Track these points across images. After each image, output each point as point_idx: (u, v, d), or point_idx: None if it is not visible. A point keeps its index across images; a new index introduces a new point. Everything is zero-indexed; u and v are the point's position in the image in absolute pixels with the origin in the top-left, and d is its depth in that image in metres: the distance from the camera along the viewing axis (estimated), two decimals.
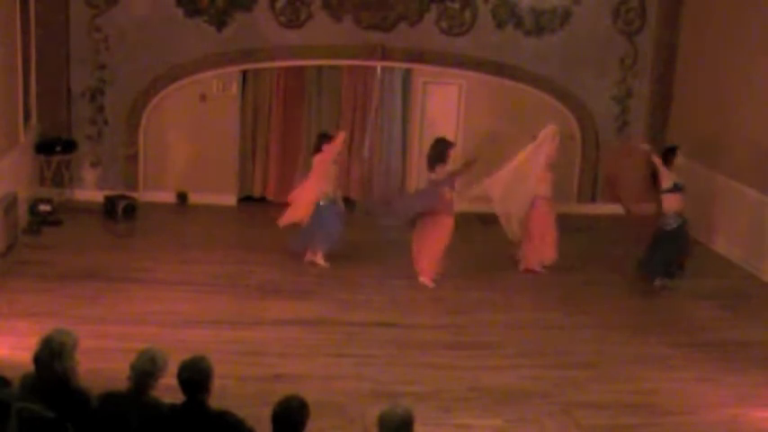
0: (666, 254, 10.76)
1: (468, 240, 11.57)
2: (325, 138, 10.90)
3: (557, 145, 11.09)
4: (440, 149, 10.51)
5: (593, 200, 13.50)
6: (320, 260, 10.94)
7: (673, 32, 13.53)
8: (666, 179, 10.65)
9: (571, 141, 13.23)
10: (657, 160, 10.72)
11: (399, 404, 5.27)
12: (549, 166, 11.05)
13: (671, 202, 10.69)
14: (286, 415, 5.01)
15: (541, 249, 11.11)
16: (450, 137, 11.20)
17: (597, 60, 13.51)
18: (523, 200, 10.95)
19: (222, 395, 5.63)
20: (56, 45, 12.50)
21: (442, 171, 10.45)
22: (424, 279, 10.58)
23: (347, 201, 12.94)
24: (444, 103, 13.49)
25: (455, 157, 10.99)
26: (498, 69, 13.32)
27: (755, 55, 11.61)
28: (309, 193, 10.78)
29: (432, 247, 10.51)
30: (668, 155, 10.80)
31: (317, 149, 10.82)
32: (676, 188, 10.67)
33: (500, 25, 13.21)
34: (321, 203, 10.80)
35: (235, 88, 13.18)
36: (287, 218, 10.85)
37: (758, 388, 8.29)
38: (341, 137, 10.93)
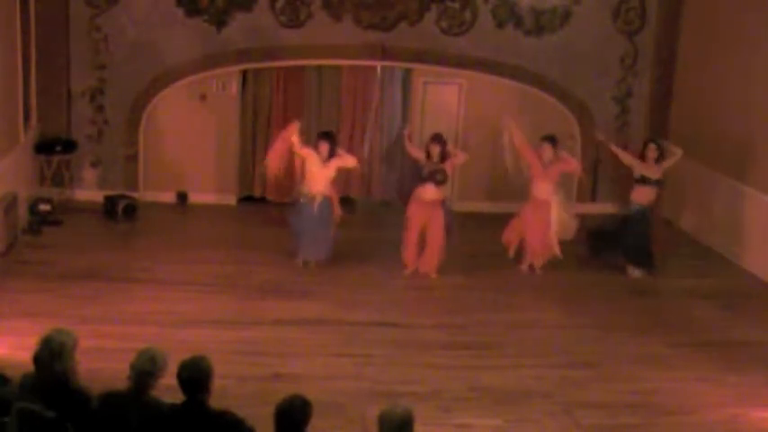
0: (625, 240, 11.04)
1: (469, 240, 11.57)
2: (329, 136, 10.83)
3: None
4: None
5: (592, 200, 13.49)
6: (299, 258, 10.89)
7: (673, 32, 13.52)
8: (636, 170, 11.01)
9: (571, 141, 13.21)
10: (616, 150, 11.22)
11: (399, 404, 5.28)
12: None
13: (636, 194, 11.02)
14: (288, 414, 5.02)
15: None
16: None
17: (597, 60, 13.49)
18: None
19: (222, 395, 5.63)
20: (56, 45, 12.49)
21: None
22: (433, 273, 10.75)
23: (348, 200, 12.94)
24: (444, 103, 13.49)
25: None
26: (498, 69, 13.31)
27: (755, 55, 11.60)
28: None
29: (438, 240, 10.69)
30: (642, 148, 11.17)
31: (333, 151, 10.71)
32: (643, 181, 10.95)
33: (500, 25, 13.20)
34: (301, 201, 10.81)
35: (235, 88, 13.17)
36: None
37: (758, 388, 8.30)
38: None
